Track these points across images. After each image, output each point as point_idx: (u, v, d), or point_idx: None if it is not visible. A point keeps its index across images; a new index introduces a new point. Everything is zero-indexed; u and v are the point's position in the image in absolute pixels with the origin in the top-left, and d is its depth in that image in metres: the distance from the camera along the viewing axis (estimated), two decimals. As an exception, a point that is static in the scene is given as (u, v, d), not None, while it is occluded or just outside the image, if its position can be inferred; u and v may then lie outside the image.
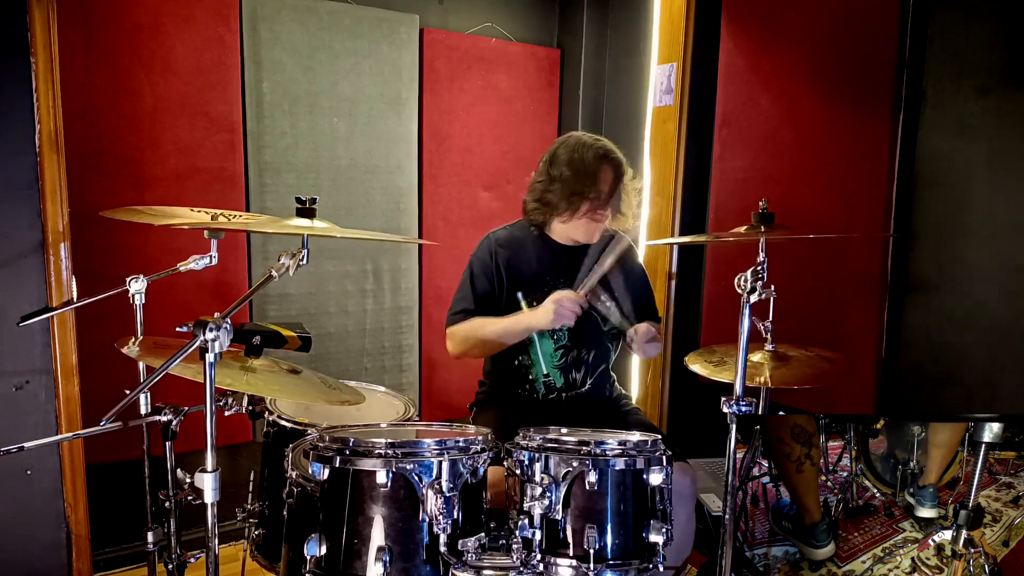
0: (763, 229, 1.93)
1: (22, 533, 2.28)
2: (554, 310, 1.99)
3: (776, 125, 2.91)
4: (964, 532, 1.72)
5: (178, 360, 1.35)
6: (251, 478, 2.07)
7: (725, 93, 3.09)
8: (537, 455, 1.51)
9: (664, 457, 1.55)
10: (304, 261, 1.51)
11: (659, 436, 1.62)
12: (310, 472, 1.52)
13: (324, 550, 1.46)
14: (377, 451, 1.45)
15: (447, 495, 1.42)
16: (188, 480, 1.75)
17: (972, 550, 1.72)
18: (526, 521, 1.48)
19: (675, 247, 3.24)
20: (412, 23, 3.26)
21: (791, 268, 2.71)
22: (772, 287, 1.82)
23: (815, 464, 1.81)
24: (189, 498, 1.81)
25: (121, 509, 2.51)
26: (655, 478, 1.52)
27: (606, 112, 3.66)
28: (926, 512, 1.76)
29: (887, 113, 2.52)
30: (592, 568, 1.43)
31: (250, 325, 1.93)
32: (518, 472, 1.54)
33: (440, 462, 1.46)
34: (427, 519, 1.43)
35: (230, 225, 1.89)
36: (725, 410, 1.76)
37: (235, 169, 2.90)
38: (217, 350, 1.31)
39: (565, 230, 2.20)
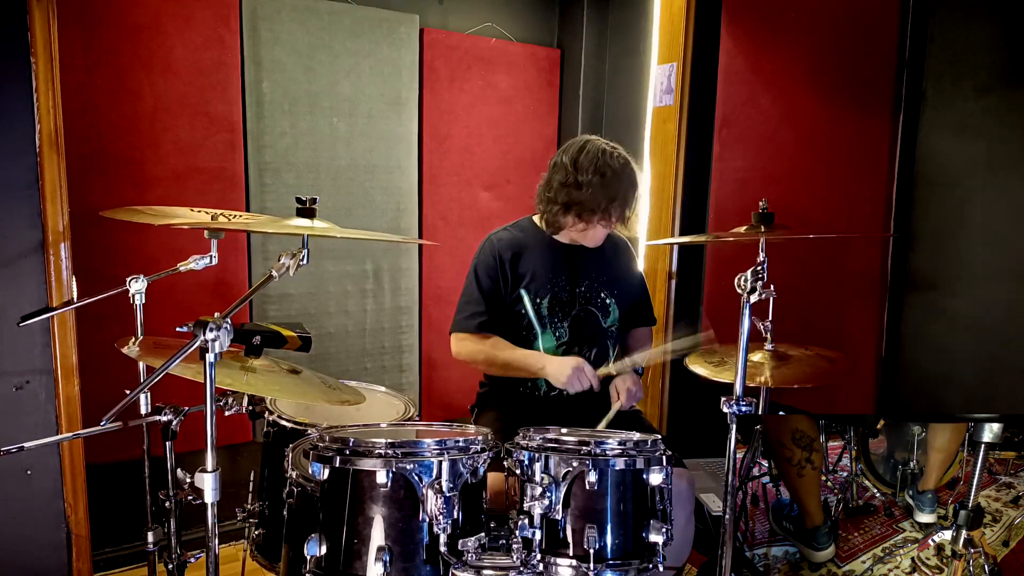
0: (763, 229, 1.93)
1: (22, 533, 2.28)
2: (569, 376, 2.01)
3: (776, 125, 2.90)
4: (964, 532, 1.72)
5: (178, 360, 1.35)
6: (251, 478, 2.07)
7: (725, 93, 3.09)
8: (537, 455, 1.51)
9: (664, 457, 1.55)
10: (304, 261, 1.51)
11: (659, 436, 1.62)
12: (310, 472, 1.52)
13: (324, 550, 1.46)
14: (377, 451, 1.45)
15: (447, 495, 1.42)
16: (188, 480, 1.75)
17: (972, 550, 1.72)
18: (526, 521, 1.48)
19: (675, 247, 3.24)
20: (412, 23, 3.26)
21: (791, 268, 2.71)
22: (772, 287, 1.82)
23: (816, 468, 1.81)
24: (189, 498, 1.81)
25: (121, 509, 2.51)
26: (655, 478, 1.51)
27: (606, 112, 3.66)
28: (925, 517, 1.76)
29: (887, 113, 2.52)
30: (592, 568, 1.43)
31: (250, 325, 1.93)
32: (518, 472, 1.54)
33: (440, 462, 1.46)
34: (427, 519, 1.43)
35: (230, 225, 1.89)
36: (725, 410, 1.76)
37: (235, 169, 2.90)
38: (217, 350, 1.31)
39: (573, 235, 2.19)
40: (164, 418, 1.73)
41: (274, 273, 1.49)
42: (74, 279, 2.28)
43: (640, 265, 3.24)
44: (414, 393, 3.50)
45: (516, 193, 3.62)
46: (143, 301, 1.94)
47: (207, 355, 1.31)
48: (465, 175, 3.51)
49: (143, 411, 1.83)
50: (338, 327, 3.25)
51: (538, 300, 2.18)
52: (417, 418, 2.15)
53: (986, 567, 1.72)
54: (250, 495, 2.07)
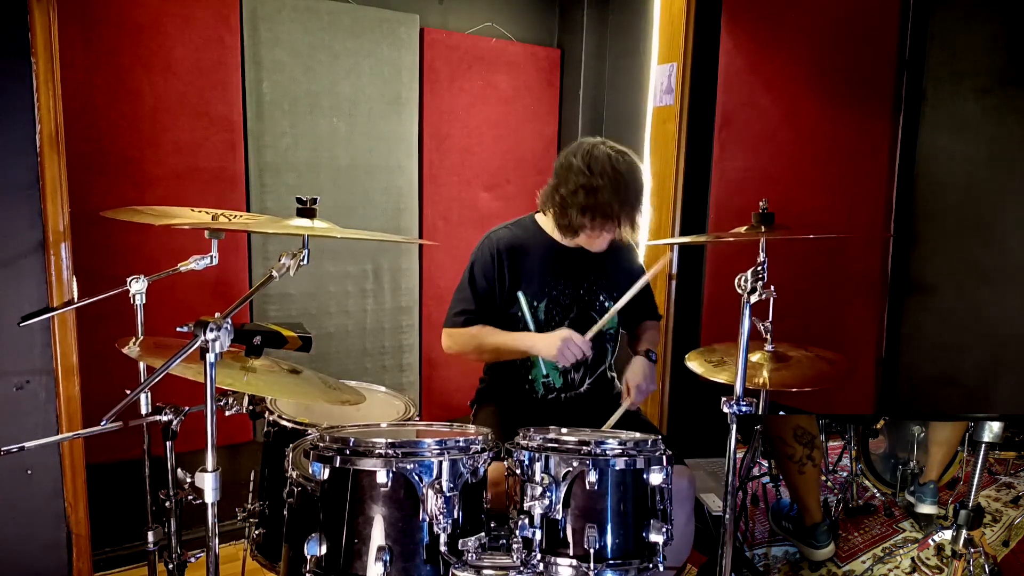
0: (763, 229, 1.93)
1: (22, 533, 2.28)
2: (559, 347, 2.00)
3: (776, 125, 2.91)
4: (964, 532, 1.72)
5: (178, 360, 1.35)
6: (251, 478, 2.07)
7: (725, 93, 3.09)
8: (537, 455, 1.51)
9: (664, 457, 1.55)
10: (305, 261, 1.51)
11: (659, 436, 1.62)
12: (310, 472, 1.52)
13: (324, 550, 1.46)
14: (377, 451, 1.45)
15: (447, 495, 1.43)
16: (188, 480, 1.75)
17: (972, 550, 1.72)
18: (526, 521, 1.48)
19: (675, 247, 3.24)
20: (412, 23, 3.26)
21: (791, 268, 2.72)
22: (772, 287, 1.82)
23: (817, 465, 1.81)
24: (189, 498, 1.81)
25: (121, 509, 2.51)
26: (655, 478, 1.52)
27: (606, 112, 3.66)
28: (926, 508, 1.76)
29: (887, 113, 2.52)
30: (592, 568, 1.43)
31: (250, 325, 1.93)
32: (518, 472, 1.54)
33: (440, 462, 1.46)
34: (427, 519, 1.43)
35: (230, 225, 1.89)
36: (725, 410, 1.76)
37: (235, 169, 2.90)
38: (217, 350, 1.31)
39: (577, 241, 2.17)
40: (164, 418, 1.73)
41: (274, 273, 1.49)
42: (74, 279, 2.28)
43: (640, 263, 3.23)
44: (414, 393, 3.50)
45: (516, 193, 3.62)
46: (143, 301, 1.94)
47: (207, 355, 1.31)
48: (465, 175, 3.51)
49: (143, 411, 1.83)
50: (338, 327, 3.25)
51: (535, 303, 2.17)
52: (417, 418, 2.15)
53: (986, 567, 1.72)
54: (250, 495, 2.07)
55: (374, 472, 1.43)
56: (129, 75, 2.64)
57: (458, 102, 3.43)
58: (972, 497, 1.73)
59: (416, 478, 1.44)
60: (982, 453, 1.73)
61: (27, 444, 1.55)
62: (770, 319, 2.07)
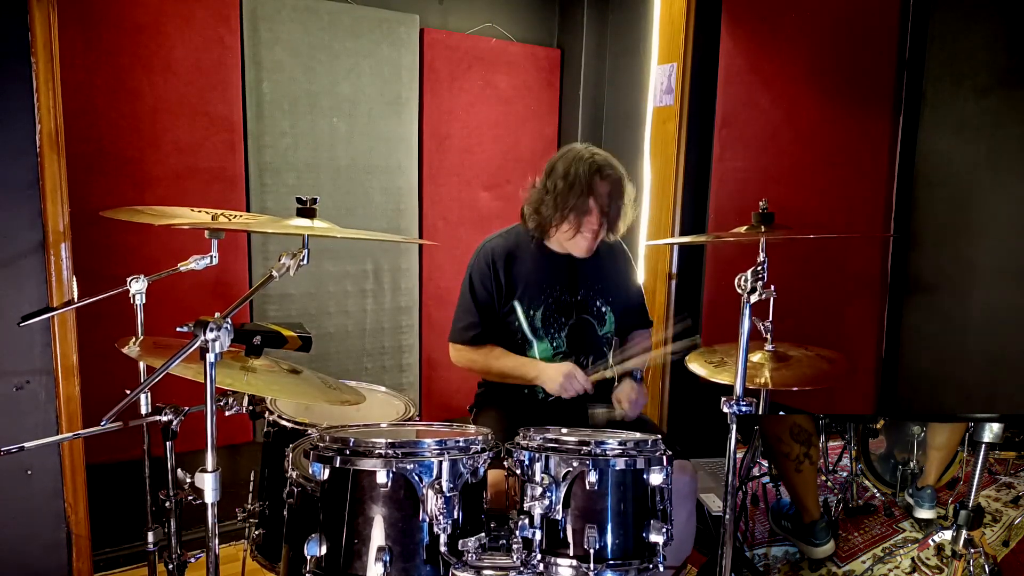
0: (763, 229, 1.93)
1: (22, 533, 2.28)
2: (562, 382, 2.04)
3: (776, 125, 2.90)
4: (964, 532, 1.72)
5: (178, 360, 1.35)
6: (251, 478, 2.07)
7: (725, 93, 3.09)
8: (537, 455, 1.51)
9: (664, 457, 1.55)
10: (304, 261, 1.51)
11: (659, 436, 1.62)
12: (310, 472, 1.52)
13: (324, 550, 1.46)
14: (377, 451, 1.45)
15: (447, 495, 1.43)
16: (188, 480, 1.75)
17: (972, 550, 1.72)
18: (526, 521, 1.48)
19: (675, 247, 3.24)
20: (412, 23, 3.26)
21: (791, 268, 2.71)
22: (772, 287, 1.82)
23: (814, 463, 1.81)
24: (189, 498, 1.81)
25: (121, 509, 2.51)
26: (655, 478, 1.52)
27: (606, 112, 3.66)
28: (924, 513, 1.76)
29: (887, 113, 2.52)
30: (592, 568, 1.43)
31: (250, 325, 1.93)
32: (518, 472, 1.54)
33: (440, 462, 1.46)
34: (427, 519, 1.43)
35: (230, 225, 1.89)
36: (725, 410, 1.76)
37: (235, 169, 2.90)
38: (217, 350, 1.31)
39: (562, 243, 2.19)
40: (164, 418, 1.73)
41: (274, 273, 1.49)
42: (74, 279, 2.28)
43: (640, 265, 3.25)
44: (414, 393, 3.50)
45: (516, 193, 3.56)
46: (143, 301, 1.94)
47: (207, 355, 1.31)
48: (465, 175, 3.51)
49: (143, 411, 1.83)
50: (338, 327, 3.25)
51: (531, 312, 2.17)
52: (417, 418, 2.15)
53: (986, 567, 1.72)
54: (250, 495, 2.07)
55: (374, 472, 1.43)
56: (129, 75, 2.64)
57: (458, 102, 3.43)
58: (972, 497, 1.73)
59: (416, 478, 1.44)
60: (982, 453, 1.73)
61: (27, 444, 1.55)
62: (770, 319, 2.07)
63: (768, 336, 2.11)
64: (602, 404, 2.11)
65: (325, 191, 3.12)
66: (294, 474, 1.71)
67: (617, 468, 1.49)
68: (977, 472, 1.73)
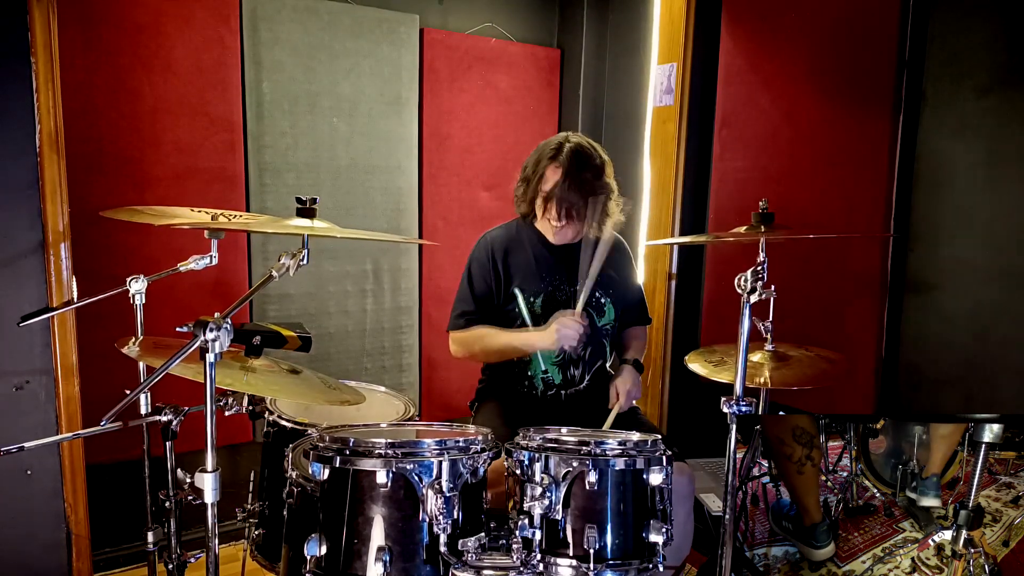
0: (763, 229, 1.93)
1: (22, 533, 2.28)
2: (556, 333, 2.02)
3: (776, 125, 2.90)
4: (964, 532, 1.72)
5: (178, 360, 1.35)
6: (251, 478, 2.07)
7: (725, 93, 3.09)
8: (537, 455, 1.51)
9: (664, 457, 1.55)
10: (304, 261, 1.51)
11: (659, 436, 1.62)
12: (310, 472, 1.52)
13: (324, 550, 1.46)
14: (377, 451, 1.45)
15: (447, 495, 1.42)
16: (188, 480, 1.75)
17: (972, 550, 1.72)
18: (526, 521, 1.48)
19: (675, 247, 3.24)
20: (412, 23, 3.26)
21: (791, 268, 2.71)
22: (772, 287, 1.82)
23: (816, 465, 1.81)
24: (189, 498, 1.81)
25: (121, 509, 2.51)
26: (655, 478, 1.51)
27: (606, 112, 3.66)
28: (929, 502, 1.76)
29: (887, 113, 2.52)
30: (592, 568, 1.43)
31: (250, 325, 1.93)
32: (518, 472, 1.54)
33: (440, 462, 1.46)
34: (427, 519, 1.43)
35: (230, 225, 1.89)
36: (725, 410, 1.76)
37: (235, 169, 2.90)
38: (217, 350, 1.31)
39: (544, 229, 2.23)
40: (164, 418, 1.73)
41: (274, 273, 1.49)
42: (74, 279, 2.28)
43: (640, 265, 3.25)
44: (414, 393, 3.50)
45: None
46: (143, 301, 1.94)
47: (207, 355, 1.31)
48: (465, 175, 3.51)
49: (143, 411, 1.83)
50: (338, 327, 3.25)
51: (532, 300, 2.18)
52: (417, 418, 2.15)
53: (986, 567, 1.72)
54: (250, 495, 2.07)
55: (374, 472, 1.43)
56: (129, 75, 2.64)
57: (458, 102, 3.43)
58: (972, 497, 1.73)
59: (416, 478, 1.44)
60: (982, 453, 1.73)
61: (27, 444, 1.55)
62: (770, 319, 2.07)
63: (768, 336, 2.11)
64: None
65: (325, 191, 3.12)
66: (294, 474, 1.71)
67: (617, 468, 1.49)
68: (977, 472, 1.73)
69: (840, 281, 2.72)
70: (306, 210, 1.61)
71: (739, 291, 1.72)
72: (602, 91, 3.66)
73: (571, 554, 1.47)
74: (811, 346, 2.20)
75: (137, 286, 1.92)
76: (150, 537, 1.98)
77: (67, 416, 2.30)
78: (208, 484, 1.35)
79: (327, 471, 1.48)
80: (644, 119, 3.37)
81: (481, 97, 3.50)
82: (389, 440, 1.47)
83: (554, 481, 1.48)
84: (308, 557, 1.46)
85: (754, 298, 1.71)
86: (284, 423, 2.00)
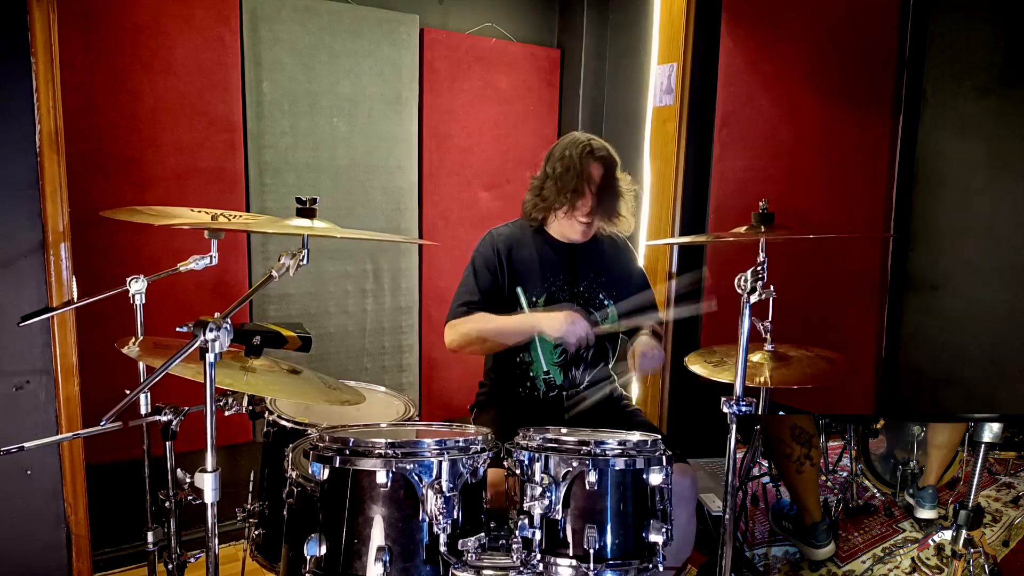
0: (763, 229, 1.93)
1: (22, 533, 2.28)
2: (566, 325, 1.98)
3: (776, 125, 2.90)
4: (964, 532, 1.72)
5: (178, 360, 1.35)
6: (251, 478, 2.07)
7: (725, 93, 3.09)
8: (537, 455, 1.51)
9: (664, 457, 1.55)
10: (304, 261, 1.51)
11: (659, 436, 1.62)
12: (310, 472, 1.52)
13: (324, 550, 1.46)
14: (377, 451, 1.45)
15: (447, 495, 1.42)
16: (188, 480, 1.75)
17: (972, 550, 1.72)
18: (526, 521, 1.48)
19: (675, 247, 3.24)
20: (412, 23, 3.26)
21: (791, 268, 2.71)
22: (772, 287, 1.82)
23: (815, 465, 1.81)
24: (189, 498, 1.81)
25: (121, 509, 2.51)
26: (655, 478, 1.52)
27: (606, 112, 3.66)
28: (925, 513, 1.76)
29: (887, 113, 2.52)
30: (592, 568, 1.43)
31: (250, 325, 1.93)
32: (518, 472, 1.54)
33: (440, 462, 1.46)
34: (427, 519, 1.43)
35: (230, 225, 1.89)
36: (725, 410, 1.76)
37: (235, 169, 2.90)
38: (217, 350, 1.31)
39: (561, 228, 2.22)
40: (164, 418, 1.73)
41: (274, 273, 1.49)
42: (74, 279, 2.28)
43: (640, 266, 3.24)
44: (414, 393, 3.49)
45: (516, 193, 3.59)
46: (143, 301, 1.94)
47: (207, 355, 1.31)
48: (465, 175, 3.51)
49: (143, 411, 1.83)
50: (338, 327, 3.25)
51: (534, 299, 2.18)
52: (417, 418, 2.15)
53: (986, 567, 1.72)
54: (250, 495, 2.07)
55: (374, 472, 1.43)
56: (129, 75, 2.64)
57: (458, 102, 3.43)
58: (972, 497, 1.73)
59: (416, 478, 1.44)
60: (982, 453, 1.73)
61: (27, 444, 1.55)
62: (770, 319, 2.07)
63: (768, 336, 2.11)
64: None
65: (325, 191, 3.12)
66: (294, 474, 1.71)
67: (617, 468, 1.49)
68: (977, 472, 1.73)
69: (840, 281, 2.72)
70: (306, 210, 1.61)
71: (739, 291, 1.72)
72: (602, 91, 3.66)
73: (571, 554, 1.47)
74: (811, 346, 2.20)
75: (137, 286, 1.92)
76: (150, 537, 1.98)
77: (67, 416, 2.30)
78: (208, 484, 1.35)
79: (327, 471, 1.48)
80: (644, 119, 3.37)
81: (481, 97, 3.50)
82: (389, 440, 1.47)
83: (554, 481, 1.48)
84: (308, 557, 1.46)
85: (754, 298, 1.71)
86: (284, 423, 2.00)
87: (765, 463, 1.83)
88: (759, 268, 1.72)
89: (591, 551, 1.43)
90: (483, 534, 1.50)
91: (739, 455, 1.80)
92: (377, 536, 1.44)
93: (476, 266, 2.21)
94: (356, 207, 3.21)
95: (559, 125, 3.76)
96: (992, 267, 2.30)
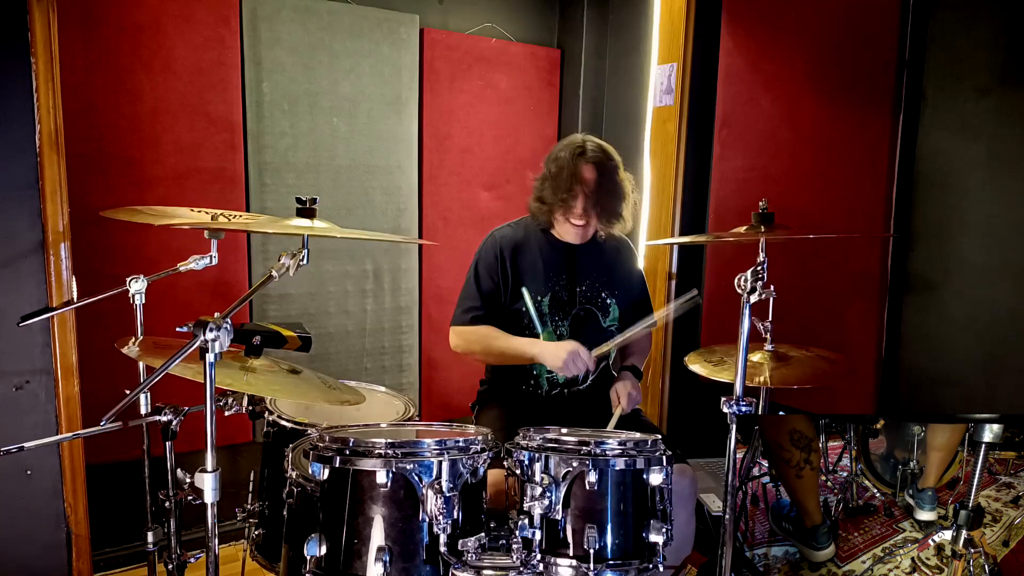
0: (763, 229, 1.93)
1: (22, 533, 2.28)
2: (565, 359, 2.01)
3: (776, 125, 2.90)
4: (964, 532, 1.72)
5: (178, 360, 1.35)
6: (251, 478, 2.07)
7: (725, 93, 3.09)
8: (537, 455, 1.51)
9: (664, 457, 1.55)
10: (304, 261, 1.51)
11: (659, 436, 1.62)
12: (310, 472, 1.52)
13: (324, 550, 1.46)
14: (377, 451, 1.45)
15: (447, 495, 1.42)
16: (188, 480, 1.75)
17: (972, 550, 1.72)
18: (526, 521, 1.48)
19: (675, 247, 3.24)
20: (412, 23, 3.26)
21: (791, 268, 2.71)
22: (772, 287, 1.82)
23: (815, 468, 1.81)
24: (189, 498, 1.81)
25: (121, 509, 2.51)
26: (655, 478, 1.51)
27: (606, 112, 3.66)
28: (925, 515, 1.76)
29: (887, 113, 2.52)
30: (592, 568, 1.43)
31: (250, 325, 1.93)
32: (518, 472, 1.54)
33: (440, 462, 1.46)
34: (427, 519, 1.43)
35: (230, 225, 1.89)
36: (725, 410, 1.76)
37: (235, 169, 2.90)
38: (217, 350, 1.31)
39: (561, 229, 2.22)
40: (164, 418, 1.73)
41: (274, 273, 1.49)
42: (74, 279, 2.28)
43: (640, 266, 3.24)
44: (414, 393, 3.50)
45: (516, 193, 3.61)
46: (143, 301, 1.94)
47: (207, 355, 1.31)
48: (465, 175, 3.51)
49: (143, 411, 1.83)
50: (338, 327, 3.25)
51: (539, 298, 2.18)
52: (417, 418, 2.15)
53: (986, 567, 1.72)
54: (250, 495, 2.07)
55: (374, 472, 1.43)
56: (129, 75, 2.64)
57: (458, 102, 3.43)
58: (972, 497, 1.73)
59: (416, 478, 1.44)
60: (982, 453, 1.73)
61: (27, 444, 1.55)
62: (770, 319, 2.07)
63: (767, 336, 2.11)
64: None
65: (325, 191, 3.12)
66: (294, 474, 1.71)
67: (617, 468, 1.49)
68: (977, 472, 1.73)
69: (840, 281, 2.72)
70: (306, 210, 1.61)
71: (739, 291, 1.72)
72: (602, 91, 3.66)
73: (571, 554, 1.47)
74: (811, 346, 2.20)
75: (137, 286, 1.92)
76: (150, 537, 1.98)
77: (67, 416, 2.30)
78: (208, 484, 1.35)
79: (327, 471, 1.48)
80: (644, 119, 3.37)
81: (481, 97, 3.50)
82: (389, 440, 1.47)
83: (554, 481, 1.48)
84: (308, 557, 1.46)
85: (754, 298, 1.71)
86: (284, 423, 2.00)
87: (765, 463, 1.83)
88: (759, 268, 1.72)
89: (591, 551, 1.43)
90: (483, 534, 1.50)
91: (739, 455, 1.80)
92: (377, 536, 1.44)
93: (479, 271, 2.22)
94: (356, 207, 3.22)
95: (559, 125, 3.76)
96: (992, 267, 2.30)
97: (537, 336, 2.18)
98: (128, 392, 1.45)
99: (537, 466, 1.51)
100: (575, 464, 1.48)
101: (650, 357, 3.20)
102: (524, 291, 2.17)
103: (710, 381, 2.06)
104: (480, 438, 1.57)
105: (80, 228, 2.35)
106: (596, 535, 1.44)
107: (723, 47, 3.09)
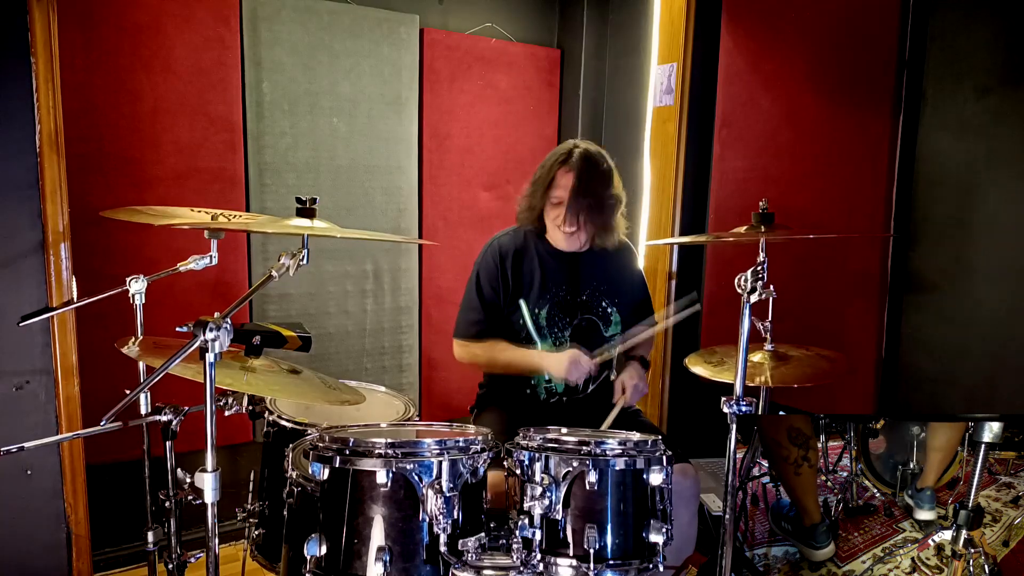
0: (763, 229, 1.93)
1: (22, 533, 2.28)
2: (567, 367, 2.03)
3: (776, 125, 2.91)
4: (964, 532, 1.72)
5: (178, 360, 1.35)
6: (251, 478, 2.07)
7: (725, 93, 3.09)
8: (537, 455, 1.51)
9: (664, 457, 1.55)
10: (304, 261, 1.51)
11: (659, 436, 1.62)
12: (310, 472, 1.52)
13: (324, 550, 1.46)
14: (377, 451, 1.45)
15: (447, 495, 1.42)
16: (188, 480, 1.75)
17: (972, 550, 1.72)
18: (526, 521, 1.48)
19: (675, 247, 3.24)
20: (412, 23, 3.26)
21: (791, 268, 2.71)
22: (772, 287, 1.82)
23: (813, 466, 1.81)
24: (189, 498, 1.81)
25: (121, 509, 2.51)
26: (655, 478, 1.51)
27: (606, 112, 3.66)
28: (924, 515, 1.76)
29: (887, 113, 2.52)
30: (592, 568, 1.43)
31: (250, 325, 1.93)
32: (518, 472, 1.54)
33: (440, 462, 1.46)
34: (427, 519, 1.43)
35: (230, 225, 1.89)
36: (725, 410, 1.76)
37: (235, 169, 2.90)
38: (217, 350, 1.31)
39: (554, 236, 2.20)
40: (164, 418, 1.73)
41: (274, 273, 1.49)
42: (74, 279, 2.28)
43: (640, 266, 3.24)
44: (414, 393, 3.50)
45: (516, 193, 3.56)
46: (143, 301, 1.94)
47: (207, 355, 1.31)
48: (465, 175, 3.51)
49: (143, 411, 1.83)
50: (338, 327, 3.25)
51: (536, 311, 2.17)
52: (417, 418, 2.14)
53: (986, 567, 1.72)
54: (250, 495, 2.07)
55: (374, 472, 1.43)
56: (129, 75, 2.64)
57: (458, 102, 3.43)
58: (972, 497, 1.73)
59: (416, 478, 1.44)
60: (982, 453, 1.73)
61: (27, 444, 1.55)
62: (770, 319, 2.07)
63: (767, 336, 2.11)
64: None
65: (325, 191, 3.12)
66: (294, 474, 1.70)
67: (617, 468, 1.49)
68: (977, 472, 1.73)
69: (840, 281, 2.72)
70: (306, 210, 1.61)
71: (739, 291, 1.72)
72: (602, 91, 3.66)
73: (571, 554, 1.47)
74: (811, 346, 2.20)
75: (137, 286, 1.92)
76: (150, 537, 1.98)
77: (67, 416, 2.30)
78: (208, 484, 1.35)
79: (327, 471, 1.48)
80: (644, 119, 3.37)
81: (481, 97, 3.50)
82: (389, 440, 1.47)
83: (554, 481, 1.48)
84: (308, 557, 1.46)
85: (754, 298, 1.71)
86: (284, 423, 2.00)
87: (765, 463, 1.83)
88: (759, 268, 1.72)
89: (591, 551, 1.43)
90: (483, 534, 1.50)
91: (739, 455, 1.80)
92: (377, 536, 1.44)
93: (480, 279, 2.20)
94: (356, 207, 3.22)
95: (559, 125, 3.76)
96: (992, 267, 2.30)
97: (535, 346, 2.17)
98: (128, 392, 1.45)
99: (537, 466, 1.51)
100: (575, 464, 1.48)
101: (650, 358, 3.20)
102: (522, 303, 2.17)
103: (710, 381, 2.06)
104: (480, 438, 1.57)
105: (80, 228, 2.35)
106: (596, 535, 1.44)
107: (723, 47, 3.09)
